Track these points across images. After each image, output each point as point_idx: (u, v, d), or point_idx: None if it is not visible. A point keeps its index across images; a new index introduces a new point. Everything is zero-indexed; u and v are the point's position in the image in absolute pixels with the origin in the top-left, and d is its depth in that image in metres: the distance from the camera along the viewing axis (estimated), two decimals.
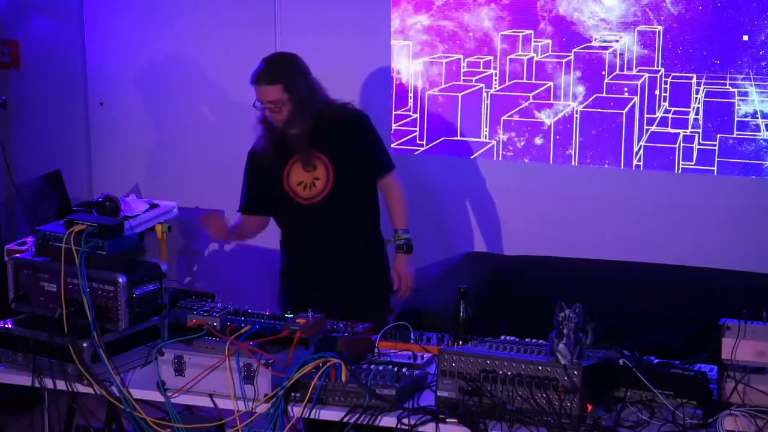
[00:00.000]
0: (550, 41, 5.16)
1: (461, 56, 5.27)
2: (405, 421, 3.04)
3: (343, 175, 4.30)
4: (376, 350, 3.51)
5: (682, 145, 5.03)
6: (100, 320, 3.31)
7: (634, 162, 5.12)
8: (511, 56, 5.22)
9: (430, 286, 4.91)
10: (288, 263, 4.48)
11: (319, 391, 3.11)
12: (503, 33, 5.22)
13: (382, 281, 4.44)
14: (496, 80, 5.27)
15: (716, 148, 4.99)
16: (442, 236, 5.40)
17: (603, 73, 5.12)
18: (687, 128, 5.02)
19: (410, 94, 5.37)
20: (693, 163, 5.04)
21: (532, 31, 5.17)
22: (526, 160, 5.28)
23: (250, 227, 4.50)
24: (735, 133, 4.96)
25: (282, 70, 4.24)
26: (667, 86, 5.03)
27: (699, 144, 5.02)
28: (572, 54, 5.14)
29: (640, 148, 5.10)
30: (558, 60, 5.17)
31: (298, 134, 4.27)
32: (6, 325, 3.45)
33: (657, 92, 5.05)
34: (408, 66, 5.35)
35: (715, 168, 5.00)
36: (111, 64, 5.87)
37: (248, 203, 4.45)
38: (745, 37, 4.87)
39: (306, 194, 4.32)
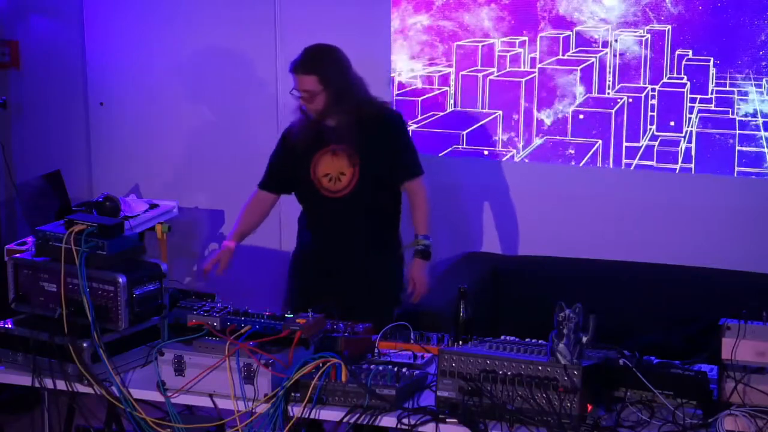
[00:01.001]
0: (550, 41, 5.16)
1: (454, 62, 5.28)
2: (405, 421, 3.04)
3: (369, 173, 4.29)
4: (376, 350, 3.51)
5: (683, 144, 5.03)
6: (100, 320, 3.30)
7: (635, 162, 5.12)
8: (511, 54, 5.22)
9: (430, 285, 4.90)
10: (303, 247, 4.49)
11: (319, 391, 3.11)
12: (504, 34, 5.22)
13: (393, 283, 4.45)
14: (494, 80, 5.27)
15: (715, 148, 4.99)
16: (442, 236, 5.39)
17: (604, 72, 5.12)
18: (686, 126, 5.02)
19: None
20: (692, 163, 5.04)
21: (533, 34, 5.18)
22: (526, 160, 5.28)
23: (261, 205, 4.51)
24: (735, 132, 4.96)
25: (317, 62, 4.24)
26: (662, 88, 5.03)
27: (697, 144, 5.02)
28: (572, 54, 5.14)
29: (641, 148, 5.10)
30: (558, 59, 5.17)
31: (331, 127, 4.27)
32: (6, 325, 3.44)
33: (656, 93, 5.05)
34: (407, 66, 5.36)
35: (714, 168, 5.00)
36: (111, 64, 5.87)
37: (268, 180, 4.48)
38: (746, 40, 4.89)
39: (331, 187, 4.32)
